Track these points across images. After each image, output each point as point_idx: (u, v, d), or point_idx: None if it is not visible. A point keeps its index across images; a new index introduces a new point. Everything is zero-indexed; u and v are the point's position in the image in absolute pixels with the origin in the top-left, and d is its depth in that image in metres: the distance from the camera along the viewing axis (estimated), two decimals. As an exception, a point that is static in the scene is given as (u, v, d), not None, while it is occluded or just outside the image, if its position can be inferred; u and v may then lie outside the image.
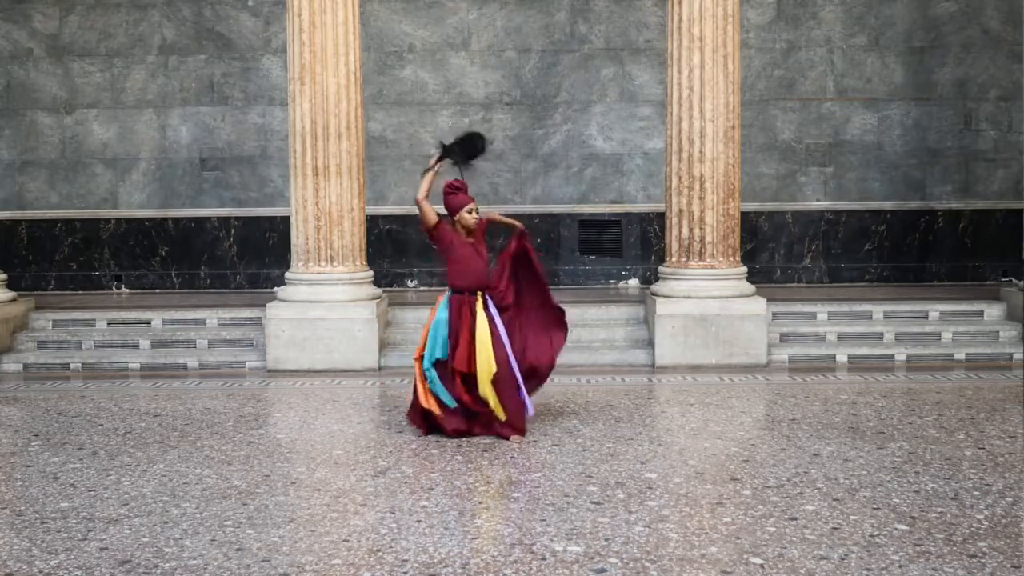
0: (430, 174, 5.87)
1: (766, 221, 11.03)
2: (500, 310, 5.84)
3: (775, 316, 8.85)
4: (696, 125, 8.27)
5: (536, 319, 5.97)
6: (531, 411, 5.91)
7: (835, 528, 4.19)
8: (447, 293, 5.88)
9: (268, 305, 8.54)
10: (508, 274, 5.93)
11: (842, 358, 8.50)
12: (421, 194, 5.79)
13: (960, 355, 8.52)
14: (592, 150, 11.10)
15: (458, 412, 5.80)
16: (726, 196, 8.36)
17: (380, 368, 8.36)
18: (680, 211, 8.42)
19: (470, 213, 5.82)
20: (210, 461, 5.40)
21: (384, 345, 8.60)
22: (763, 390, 7.44)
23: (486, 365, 5.68)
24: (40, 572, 3.80)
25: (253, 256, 11.07)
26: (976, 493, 4.66)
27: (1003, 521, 4.26)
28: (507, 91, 11.05)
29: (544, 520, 4.33)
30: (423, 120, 11.04)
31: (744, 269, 8.60)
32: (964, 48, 10.99)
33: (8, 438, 6.11)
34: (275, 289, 8.99)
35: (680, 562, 3.82)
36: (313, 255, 8.43)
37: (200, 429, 6.20)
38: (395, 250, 11.00)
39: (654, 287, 8.75)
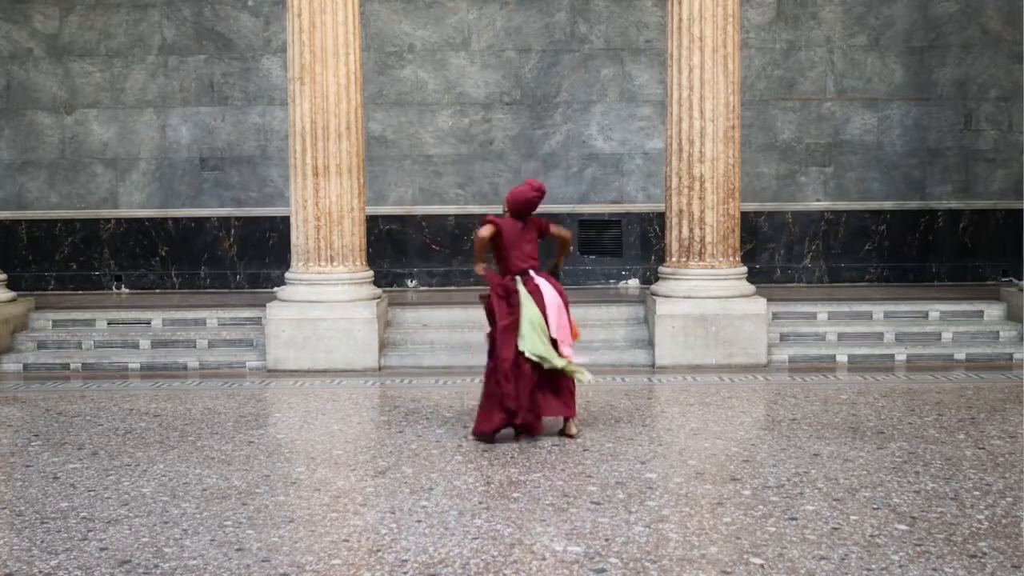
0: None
1: (766, 221, 11.03)
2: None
3: (775, 316, 8.85)
4: (696, 125, 8.27)
5: None
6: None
7: (835, 528, 4.19)
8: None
9: (268, 305, 8.54)
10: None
11: (842, 358, 8.50)
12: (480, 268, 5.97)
13: (960, 355, 8.52)
14: (592, 150, 11.10)
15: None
16: (726, 196, 8.36)
17: (380, 368, 8.37)
18: (680, 211, 8.42)
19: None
20: (210, 461, 5.40)
21: (384, 345, 8.60)
22: (763, 390, 7.44)
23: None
24: (40, 572, 3.80)
25: (253, 256, 11.07)
26: (976, 493, 4.66)
27: (1003, 521, 4.26)
28: (507, 91, 11.04)
29: (544, 520, 4.33)
30: (423, 120, 11.04)
31: (744, 269, 8.60)
32: (964, 48, 10.99)
33: (8, 438, 6.11)
34: (275, 289, 8.99)
35: (680, 562, 3.82)
36: (313, 255, 8.43)
37: (200, 429, 6.20)
38: (395, 250, 11.00)
39: (654, 287, 8.75)
